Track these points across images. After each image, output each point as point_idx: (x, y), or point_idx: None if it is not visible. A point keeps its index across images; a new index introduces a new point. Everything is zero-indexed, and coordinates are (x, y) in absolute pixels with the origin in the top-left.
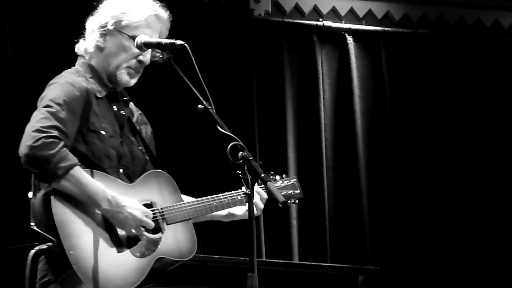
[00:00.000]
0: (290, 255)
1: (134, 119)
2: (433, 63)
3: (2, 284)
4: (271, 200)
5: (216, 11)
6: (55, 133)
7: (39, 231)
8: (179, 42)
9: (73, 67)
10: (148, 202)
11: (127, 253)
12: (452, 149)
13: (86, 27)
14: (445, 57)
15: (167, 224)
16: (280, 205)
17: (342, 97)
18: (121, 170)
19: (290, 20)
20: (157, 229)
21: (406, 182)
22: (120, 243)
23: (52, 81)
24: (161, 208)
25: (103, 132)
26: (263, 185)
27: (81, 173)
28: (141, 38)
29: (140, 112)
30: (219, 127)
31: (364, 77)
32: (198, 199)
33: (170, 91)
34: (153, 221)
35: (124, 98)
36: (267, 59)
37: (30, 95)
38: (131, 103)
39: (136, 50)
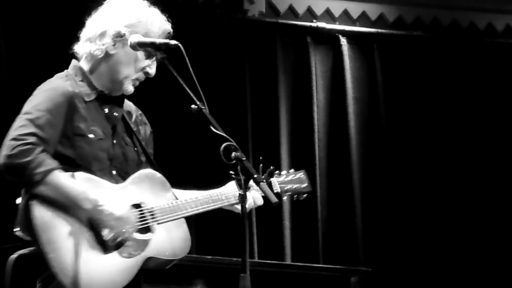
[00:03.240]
0: (282, 256)
1: (132, 119)
2: (426, 65)
3: None
4: (265, 201)
5: (210, 12)
6: (31, 139)
7: (24, 236)
8: (173, 42)
9: (65, 70)
10: (137, 202)
11: (113, 254)
12: (446, 151)
13: (88, 28)
14: (438, 59)
15: (158, 224)
16: (274, 206)
17: (336, 98)
18: (114, 172)
19: (284, 21)
20: (147, 229)
21: (399, 184)
22: (105, 244)
23: (39, 86)
24: (151, 208)
25: (91, 136)
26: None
27: (60, 177)
28: (134, 38)
29: (140, 112)
30: (212, 128)
31: (358, 78)
32: (192, 197)
33: (164, 91)
34: (142, 221)
35: (119, 99)
36: (261, 60)
37: (24, 95)
38: (129, 103)
39: (146, 62)
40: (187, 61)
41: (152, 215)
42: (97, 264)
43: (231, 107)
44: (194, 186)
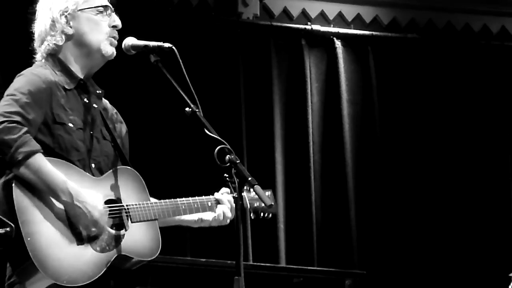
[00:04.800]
0: (277, 258)
1: (108, 116)
2: (421, 68)
3: None
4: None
5: (204, 14)
6: (17, 118)
7: None
8: (167, 45)
9: (41, 61)
10: (114, 198)
11: (87, 246)
12: (441, 153)
13: (38, 31)
14: (433, 61)
15: (132, 222)
16: (268, 208)
17: (330, 101)
18: (93, 165)
19: (279, 24)
20: (121, 225)
21: (394, 187)
22: (80, 236)
23: (21, 73)
24: (128, 205)
25: (70, 125)
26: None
27: (42, 161)
28: (128, 41)
29: (115, 111)
30: (206, 130)
31: (352, 81)
32: (166, 200)
33: (158, 94)
34: (117, 217)
35: (98, 92)
36: (255, 63)
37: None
38: (105, 101)
39: (106, 18)
40: (181, 63)
41: (127, 212)
42: (71, 254)
43: (225, 110)
44: (188, 188)
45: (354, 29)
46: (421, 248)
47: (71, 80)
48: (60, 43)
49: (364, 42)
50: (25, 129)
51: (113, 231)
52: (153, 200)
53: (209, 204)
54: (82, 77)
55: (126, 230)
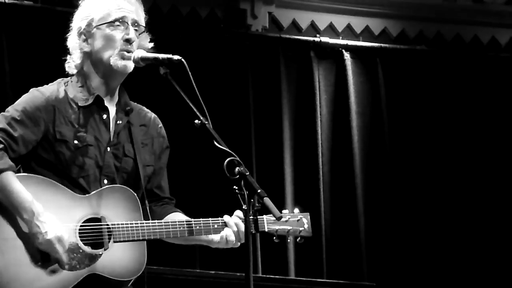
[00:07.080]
0: (286, 271)
1: (147, 131)
2: (430, 80)
3: None
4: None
5: (213, 27)
6: None
7: None
8: (176, 57)
9: (68, 77)
10: (97, 216)
11: (51, 264)
12: (450, 164)
13: (69, 45)
14: (442, 73)
15: (114, 242)
16: (278, 220)
17: (339, 113)
18: (105, 181)
19: (288, 36)
20: (100, 244)
21: (403, 198)
22: (47, 254)
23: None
24: (112, 224)
25: (75, 142)
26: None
27: (8, 179)
28: (137, 54)
29: (160, 125)
30: (216, 143)
31: (361, 93)
32: (168, 221)
33: (167, 106)
34: (94, 236)
35: (127, 108)
36: (264, 75)
37: None
38: (149, 116)
39: (119, 34)
40: (190, 76)
41: (109, 231)
42: (30, 271)
43: (235, 122)
44: (195, 200)
45: (362, 41)
46: (431, 260)
47: (89, 96)
48: (79, 61)
49: (373, 54)
50: (0, 146)
51: (88, 250)
52: (182, 217)
53: (215, 226)
54: (103, 93)
55: (105, 250)
